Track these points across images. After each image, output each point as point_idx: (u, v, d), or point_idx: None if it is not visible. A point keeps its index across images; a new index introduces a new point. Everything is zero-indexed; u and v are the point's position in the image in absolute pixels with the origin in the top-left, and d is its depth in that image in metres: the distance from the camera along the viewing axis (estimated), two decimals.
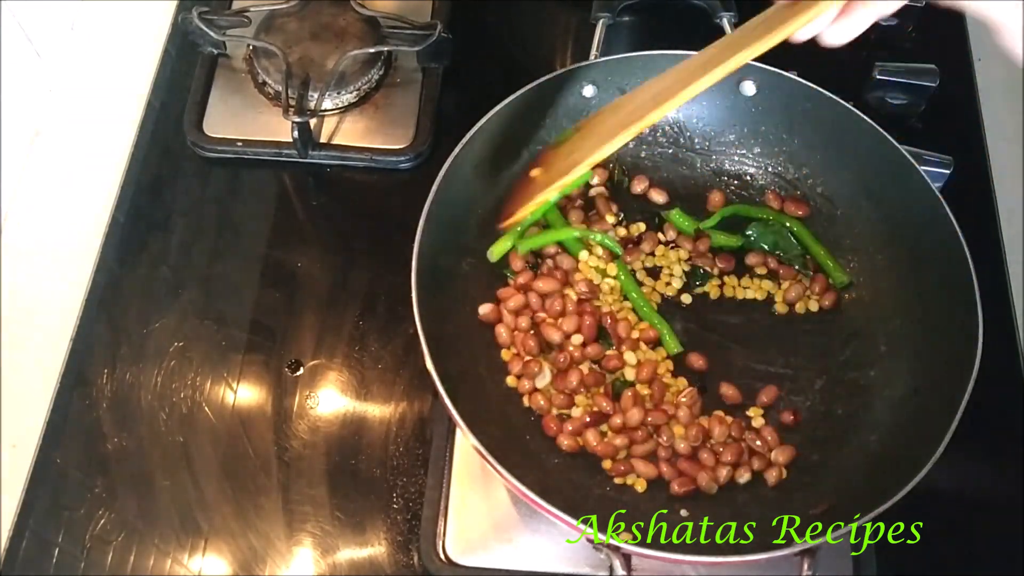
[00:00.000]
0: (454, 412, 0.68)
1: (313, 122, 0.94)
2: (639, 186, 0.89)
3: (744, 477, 0.76)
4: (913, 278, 0.81)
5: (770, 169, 0.89)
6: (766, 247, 0.86)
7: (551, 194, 0.76)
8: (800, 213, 0.87)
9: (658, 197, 0.88)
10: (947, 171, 0.89)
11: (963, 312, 0.73)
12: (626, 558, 0.67)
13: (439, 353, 0.71)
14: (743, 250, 0.86)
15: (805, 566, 0.66)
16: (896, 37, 1.04)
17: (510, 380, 0.79)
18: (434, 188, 0.77)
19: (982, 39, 1.05)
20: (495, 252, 0.83)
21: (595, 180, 0.89)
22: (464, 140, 0.79)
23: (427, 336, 0.71)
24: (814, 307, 0.83)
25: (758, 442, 0.77)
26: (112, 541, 0.77)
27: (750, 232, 0.86)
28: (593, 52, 0.90)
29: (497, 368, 0.80)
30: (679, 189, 0.89)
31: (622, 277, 0.83)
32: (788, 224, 0.86)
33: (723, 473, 0.75)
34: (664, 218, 0.87)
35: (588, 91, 0.87)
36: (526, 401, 0.79)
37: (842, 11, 0.60)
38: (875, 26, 1.00)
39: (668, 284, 0.85)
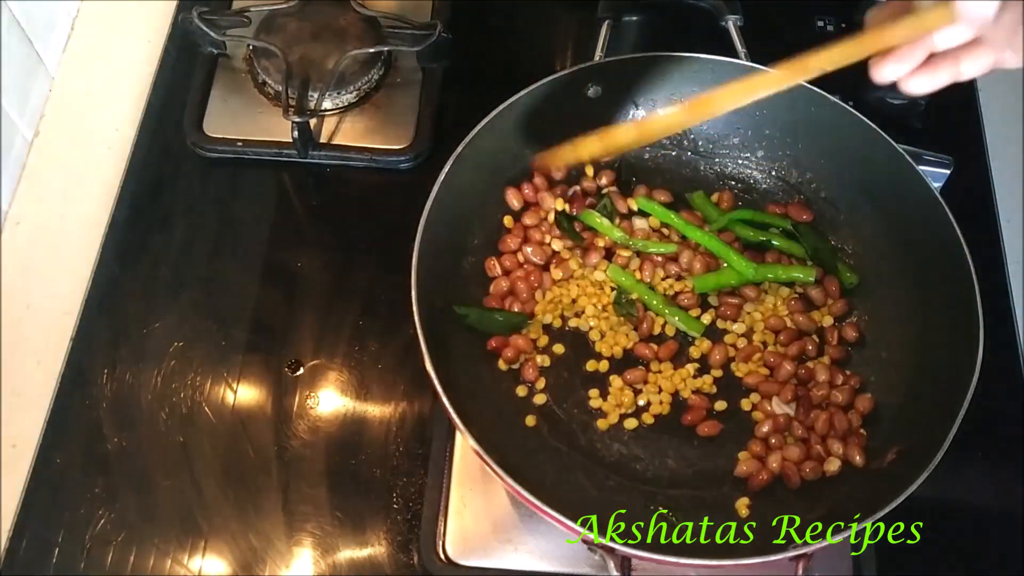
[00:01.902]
0: (453, 414, 0.68)
1: (313, 122, 0.94)
2: (640, 193, 0.88)
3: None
4: (915, 283, 0.81)
5: (773, 173, 0.89)
6: (807, 248, 0.85)
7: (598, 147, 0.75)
8: (805, 218, 0.86)
9: (661, 199, 0.88)
10: (947, 171, 0.89)
11: (964, 318, 0.73)
12: (625, 560, 0.67)
13: (439, 354, 0.71)
14: (763, 247, 0.86)
15: (800, 570, 0.66)
16: None
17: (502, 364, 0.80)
18: (435, 188, 0.77)
19: None
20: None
21: (603, 180, 0.88)
22: (467, 139, 0.79)
23: (427, 337, 0.71)
24: (828, 321, 0.83)
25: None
26: (112, 541, 0.77)
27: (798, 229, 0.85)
28: (598, 53, 0.90)
29: (497, 369, 0.80)
30: (682, 192, 0.89)
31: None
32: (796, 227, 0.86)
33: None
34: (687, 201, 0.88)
35: (592, 92, 0.87)
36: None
37: (927, 64, 0.61)
38: None
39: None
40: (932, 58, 0.61)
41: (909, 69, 0.61)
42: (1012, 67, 0.63)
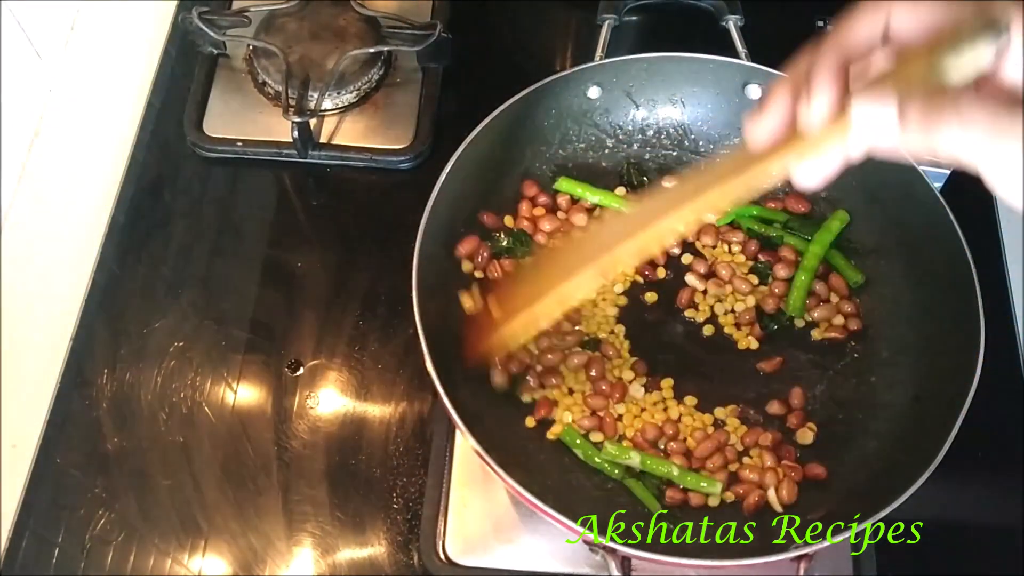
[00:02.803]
0: (454, 414, 0.68)
1: (313, 122, 0.94)
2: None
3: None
4: (915, 283, 0.81)
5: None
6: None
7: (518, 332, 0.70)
8: (801, 209, 0.87)
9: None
10: (947, 171, 0.89)
11: (965, 319, 0.73)
12: (625, 560, 0.67)
13: (440, 354, 0.71)
14: (773, 244, 0.86)
15: (801, 570, 0.66)
16: None
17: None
18: (436, 188, 0.76)
19: None
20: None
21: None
22: (468, 139, 0.79)
23: (428, 338, 0.71)
24: (838, 328, 0.82)
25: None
26: (112, 541, 0.77)
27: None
28: (598, 53, 0.90)
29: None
30: None
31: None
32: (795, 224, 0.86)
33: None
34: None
35: (593, 92, 0.87)
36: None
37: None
38: None
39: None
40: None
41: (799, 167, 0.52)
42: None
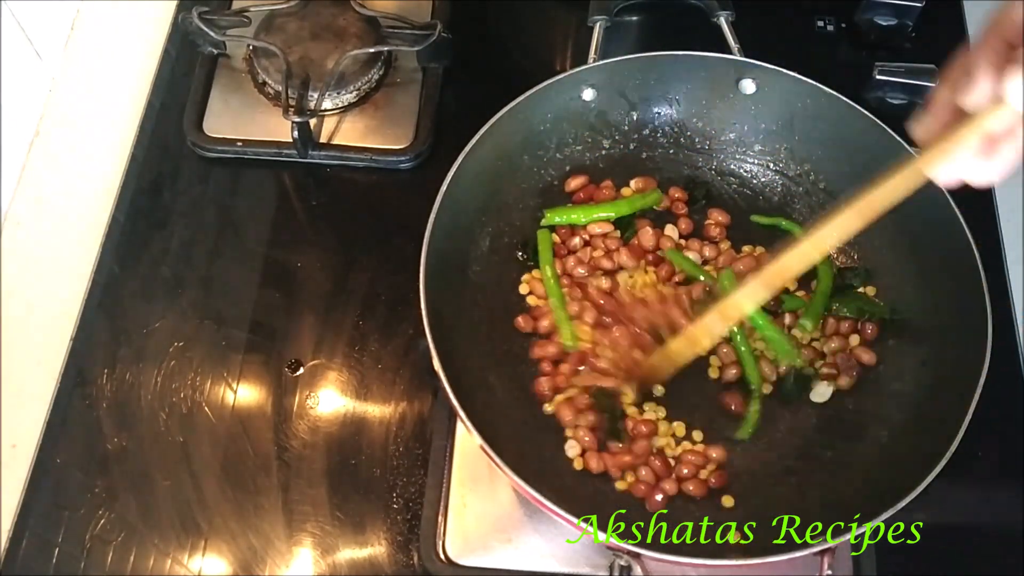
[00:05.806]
0: (462, 412, 0.68)
1: (313, 122, 0.94)
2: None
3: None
4: (918, 270, 0.81)
5: (771, 166, 0.89)
6: (850, 314, 0.83)
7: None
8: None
9: (640, 185, 0.89)
10: None
11: (971, 303, 0.73)
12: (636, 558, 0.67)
13: (445, 354, 0.71)
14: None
15: (825, 565, 0.66)
16: (896, 37, 1.04)
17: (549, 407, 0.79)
18: (437, 202, 0.76)
19: None
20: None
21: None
22: (465, 150, 0.78)
23: (435, 338, 0.71)
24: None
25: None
26: (112, 541, 0.77)
27: (835, 305, 0.83)
28: (591, 55, 0.90)
29: (503, 369, 0.80)
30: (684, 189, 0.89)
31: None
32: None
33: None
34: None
35: (588, 95, 0.87)
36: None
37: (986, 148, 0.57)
38: (875, 26, 1.03)
39: None
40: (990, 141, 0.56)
41: (971, 163, 0.57)
42: None
